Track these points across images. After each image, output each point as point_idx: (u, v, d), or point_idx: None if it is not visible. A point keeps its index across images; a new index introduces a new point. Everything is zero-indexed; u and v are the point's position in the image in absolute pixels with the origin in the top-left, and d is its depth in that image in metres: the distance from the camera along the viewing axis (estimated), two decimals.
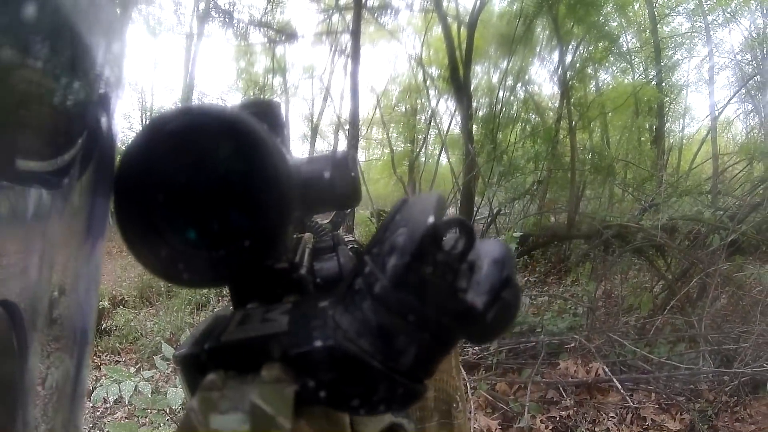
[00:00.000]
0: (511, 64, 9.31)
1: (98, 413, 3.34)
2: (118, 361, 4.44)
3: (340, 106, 13.17)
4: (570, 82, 8.48)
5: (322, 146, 14.35)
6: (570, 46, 8.71)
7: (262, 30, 10.99)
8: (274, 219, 0.23)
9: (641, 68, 10.59)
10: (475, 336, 0.21)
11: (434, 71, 11.81)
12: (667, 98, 10.19)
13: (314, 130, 13.58)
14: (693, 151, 9.74)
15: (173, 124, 0.22)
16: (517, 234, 3.76)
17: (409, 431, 0.28)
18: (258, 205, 0.23)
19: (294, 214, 0.25)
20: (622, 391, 2.82)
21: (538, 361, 3.13)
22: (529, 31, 8.60)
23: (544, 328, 3.62)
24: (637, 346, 3.16)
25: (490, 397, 2.90)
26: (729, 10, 9.48)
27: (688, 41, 10.37)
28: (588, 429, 2.65)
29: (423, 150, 14.58)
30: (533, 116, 9.98)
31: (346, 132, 8.20)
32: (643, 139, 10.21)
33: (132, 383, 2.13)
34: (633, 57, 10.52)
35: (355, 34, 6.95)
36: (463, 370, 2.79)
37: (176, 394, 2.12)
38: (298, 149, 13.87)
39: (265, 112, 0.32)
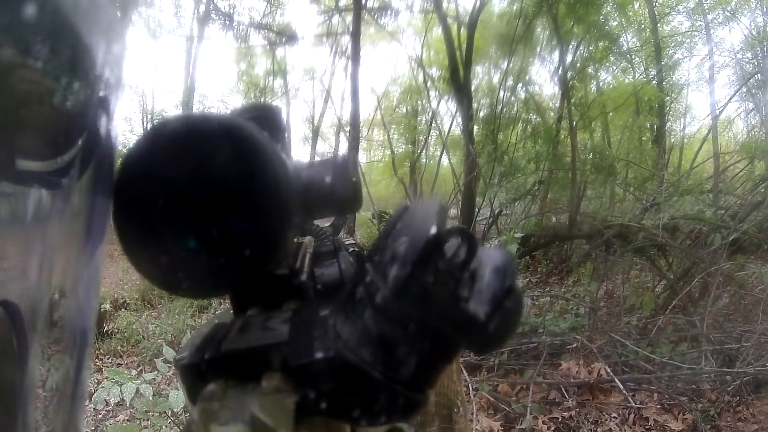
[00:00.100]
0: (511, 65, 9.32)
1: (100, 416, 3.34)
2: (119, 364, 4.44)
3: (341, 107, 13.19)
4: (570, 82, 8.48)
5: (324, 148, 14.38)
6: (570, 46, 8.72)
7: (262, 32, 11.00)
8: (275, 226, 0.23)
9: (642, 67, 10.61)
10: (476, 345, 0.21)
11: (435, 72, 11.83)
12: (668, 97, 10.20)
13: (315, 132, 13.59)
14: (694, 150, 9.74)
15: (173, 131, 0.22)
16: (519, 234, 3.76)
17: None
18: (258, 212, 0.22)
19: (294, 220, 0.25)
20: (624, 391, 2.82)
21: (540, 361, 3.12)
22: (529, 31, 8.60)
23: (546, 328, 3.62)
24: (639, 346, 3.16)
25: (492, 399, 2.89)
26: (729, 8, 9.49)
27: (688, 40, 10.40)
28: (590, 430, 2.65)
29: (424, 151, 14.60)
30: (534, 116, 9.99)
31: (347, 134, 8.21)
32: (644, 138, 10.22)
33: (133, 385, 2.13)
34: (633, 56, 10.54)
35: (355, 36, 6.95)
36: (464, 372, 2.79)
37: (178, 396, 2.12)
38: (299, 151, 13.90)
39: (265, 116, 0.32)
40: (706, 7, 9.62)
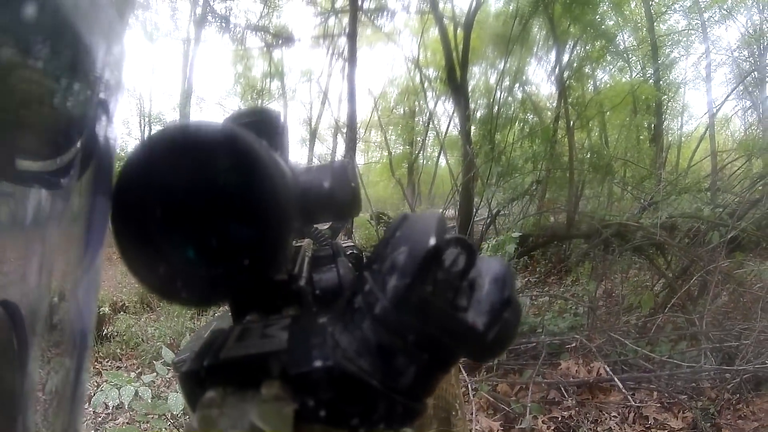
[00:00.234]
0: (508, 65, 9.33)
1: (100, 419, 3.33)
2: (119, 367, 4.44)
3: (338, 109, 13.22)
4: (567, 82, 8.50)
5: (321, 150, 14.37)
6: (567, 46, 8.73)
7: (259, 34, 11.01)
8: (274, 235, 0.23)
9: (638, 66, 10.63)
10: (475, 355, 0.21)
11: (431, 73, 11.84)
12: (665, 96, 10.22)
13: (313, 134, 13.60)
14: (692, 148, 9.76)
15: (171, 140, 0.22)
16: (517, 234, 3.75)
17: None
18: (257, 222, 0.22)
19: (293, 227, 0.25)
20: (623, 390, 2.82)
21: (539, 361, 3.12)
22: (525, 31, 8.61)
23: (545, 328, 3.62)
24: (639, 345, 3.16)
25: (492, 399, 2.89)
26: (725, 7, 9.51)
27: (684, 39, 10.43)
28: (590, 429, 2.65)
29: (421, 152, 14.62)
30: (531, 116, 10.01)
31: (344, 135, 8.21)
32: (641, 137, 10.24)
33: (132, 388, 2.13)
34: (630, 55, 10.56)
35: (352, 37, 6.95)
36: (463, 372, 2.79)
37: (177, 399, 2.11)
38: (297, 153, 13.89)
39: (264, 121, 0.32)
40: (703, 6, 9.66)
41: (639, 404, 2.79)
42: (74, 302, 0.25)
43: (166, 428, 2.36)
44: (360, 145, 14.04)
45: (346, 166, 0.32)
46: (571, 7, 7.51)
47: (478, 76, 11.62)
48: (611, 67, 10.47)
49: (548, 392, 3.01)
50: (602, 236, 4.30)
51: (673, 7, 10.08)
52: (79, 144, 0.22)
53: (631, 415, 2.74)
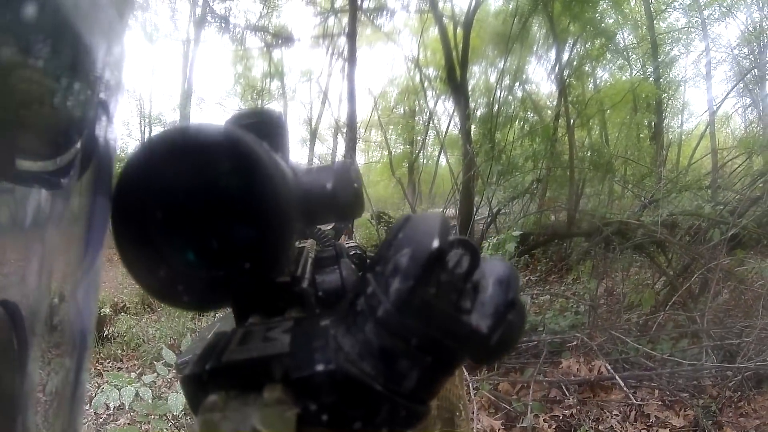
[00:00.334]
0: (507, 63, 9.33)
1: (101, 420, 3.34)
2: (120, 368, 4.45)
3: (339, 109, 13.23)
4: (567, 80, 8.50)
5: (322, 150, 14.39)
6: (567, 44, 8.73)
7: (258, 34, 11.02)
8: (275, 238, 0.23)
9: (638, 65, 10.64)
10: (479, 357, 0.21)
11: (431, 72, 11.85)
12: (665, 94, 10.23)
13: (313, 134, 13.63)
14: (692, 146, 9.74)
15: (172, 142, 0.22)
16: (517, 233, 3.75)
17: None
18: (258, 224, 0.22)
19: (295, 229, 0.25)
20: (625, 388, 2.82)
21: (541, 360, 3.12)
22: (525, 29, 8.61)
23: (546, 326, 3.62)
24: (640, 343, 3.16)
25: (493, 397, 2.90)
26: (725, 4, 9.51)
27: (684, 37, 10.44)
28: (592, 427, 2.65)
29: (422, 151, 14.64)
30: (531, 115, 9.99)
31: (345, 135, 8.21)
32: (641, 135, 10.24)
33: (132, 389, 2.13)
34: (630, 53, 10.56)
35: (351, 37, 6.95)
36: (465, 371, 2.79)
37: (177, 399, 2.12)
38: (297, 153, 13.91)
39: (264, 122, 0.32)
40: (703, 4, 9.65)
41: (640, 402, 2.79)
42: (74, 303, 0.25)
43: (166, 429, 2.36)
44: (360, 145, 14.07)
45: (349, 166, 0.32)
46: (570, 5, 7.51)
47: (478, 75, 11.66)
48: (611, 65, 10.49)
49: (549, 391, 3.01)
50: (603, 234, 4.30)
51: (672, 5, 10.11)
52: (79, 144, 0.22)
53: (633, 413, 2.74)
